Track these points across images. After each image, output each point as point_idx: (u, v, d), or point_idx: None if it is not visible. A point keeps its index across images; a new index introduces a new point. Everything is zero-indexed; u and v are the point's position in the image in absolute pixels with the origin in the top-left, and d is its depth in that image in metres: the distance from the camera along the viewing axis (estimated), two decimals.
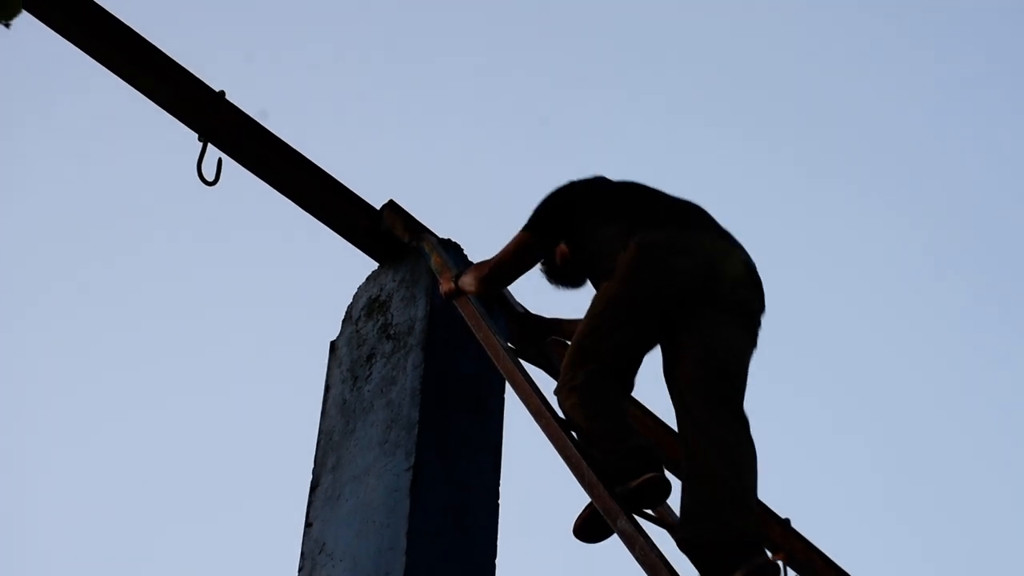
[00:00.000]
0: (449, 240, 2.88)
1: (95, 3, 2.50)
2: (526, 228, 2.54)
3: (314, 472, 2.64)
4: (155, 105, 2.64)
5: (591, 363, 2.22)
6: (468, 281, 2.61)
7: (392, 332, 2.67)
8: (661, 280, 2.25)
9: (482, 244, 2.90)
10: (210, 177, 2.60)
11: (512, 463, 2.58)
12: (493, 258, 2.63)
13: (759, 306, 2.37)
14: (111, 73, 2.59)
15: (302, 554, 2.48)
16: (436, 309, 2.67)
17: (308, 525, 2.52)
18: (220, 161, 2.63)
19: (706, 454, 2.07)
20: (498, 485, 2.52)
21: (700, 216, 2.47)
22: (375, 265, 2.97)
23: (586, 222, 2.51)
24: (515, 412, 2.53)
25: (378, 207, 2.88)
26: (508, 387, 2.51)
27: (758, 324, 2.37)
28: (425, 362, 2.53)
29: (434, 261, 2.73)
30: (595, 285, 2.52)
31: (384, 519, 2.32)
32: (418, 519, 2.26)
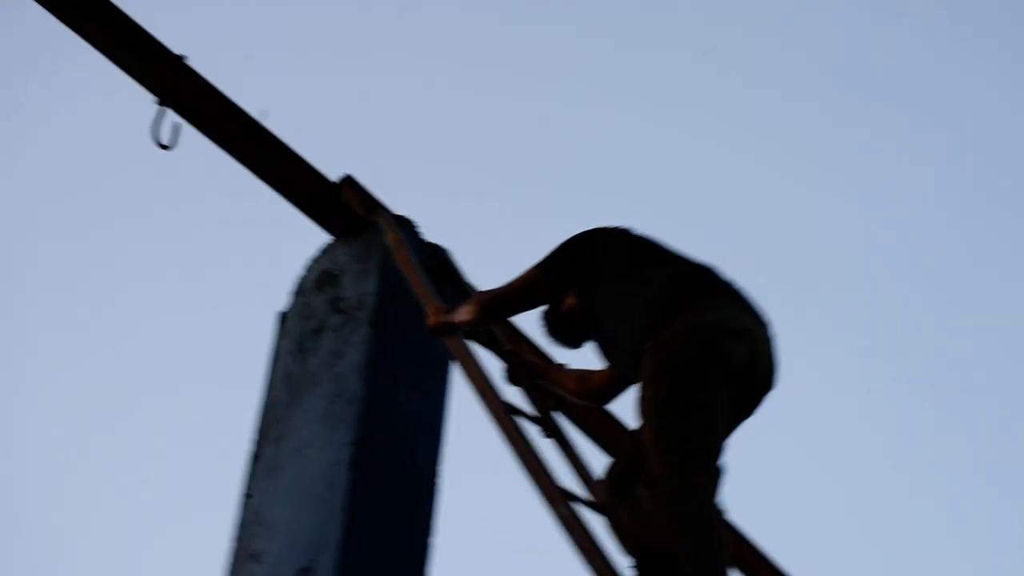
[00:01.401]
0: (403, 217, 2.84)
1: None
2: (538, 266, 2.39)
3: (255, 443, 2.62)
4: (114, 66, 2.63)
5: (694, 462, 1.98)
6: (464, 311, 2.49)
7: (342, 306, 2.66)
8: (717, 365, 2.06)
9: (438, 222, 2.93)
10: (166, 141, 2.60)
11: (456, 446, 2.58)
12: (497, 288, 2.49)
13: (772, 382, 2.22)
14: (68, 29, 2.57)
15: (239, 524, 2.48)
16: (388, 286, 2.66)
17: (247, 496, 2.50)
18: (178, 127, 2.63)
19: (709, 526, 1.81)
20: (440, 466, 2.53)
21: (722, 285, 2.28)
22: (329, 239, 2.95)
23: (605, 278, 2.35)
24: (460, 394, 2.55)
25: (335, 180, 2.88)
26: (455, 368, 2.52)
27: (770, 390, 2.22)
28: (374, 338, 2.53)
29: (413, 283, 2.61)
30: (603, 351, 2.38)
31: (323, 493, 2.33)
32: (357, 494, 2.27)
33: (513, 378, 2.55)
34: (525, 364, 2.64)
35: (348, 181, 2.84)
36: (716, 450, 1.99)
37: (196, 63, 2.66)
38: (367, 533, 2.24)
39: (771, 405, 2.16)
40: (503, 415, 2.16)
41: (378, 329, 2.55)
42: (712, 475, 1.95)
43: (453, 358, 2.47)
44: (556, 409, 2.50)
